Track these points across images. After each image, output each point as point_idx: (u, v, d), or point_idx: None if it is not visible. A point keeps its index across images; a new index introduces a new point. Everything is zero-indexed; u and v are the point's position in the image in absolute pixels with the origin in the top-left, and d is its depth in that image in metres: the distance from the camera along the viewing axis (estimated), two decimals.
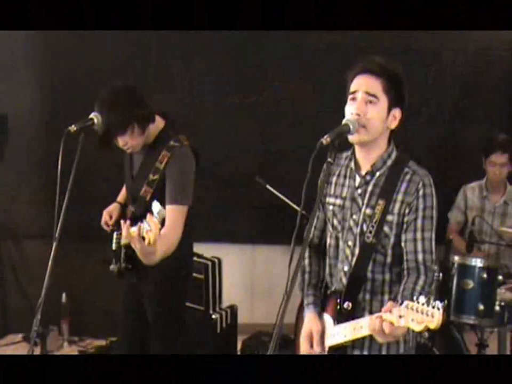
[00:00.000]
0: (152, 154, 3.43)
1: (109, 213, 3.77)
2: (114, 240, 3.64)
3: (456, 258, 4.10)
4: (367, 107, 2.59)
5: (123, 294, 3.74)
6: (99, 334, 5.36)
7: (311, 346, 2.74)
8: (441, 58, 5.55)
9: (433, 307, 2.20)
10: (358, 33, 4.21)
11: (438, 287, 4.07)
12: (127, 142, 3.36)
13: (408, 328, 2.31)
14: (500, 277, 4.11)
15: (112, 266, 3.60)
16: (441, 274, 4.04)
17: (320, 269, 2.94)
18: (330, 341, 2.70)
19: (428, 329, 2.23)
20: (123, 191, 3.83)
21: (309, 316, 2.80)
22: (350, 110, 2.61)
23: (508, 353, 4.66)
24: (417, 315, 2.23)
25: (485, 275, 3.99)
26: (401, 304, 2.33)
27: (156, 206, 2.90)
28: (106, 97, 3.31)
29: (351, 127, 2.53)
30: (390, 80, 2.62)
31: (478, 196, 5.02)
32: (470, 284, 4.02)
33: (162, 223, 2.94)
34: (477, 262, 4.03)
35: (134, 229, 2.89)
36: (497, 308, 4.04)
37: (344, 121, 2.56)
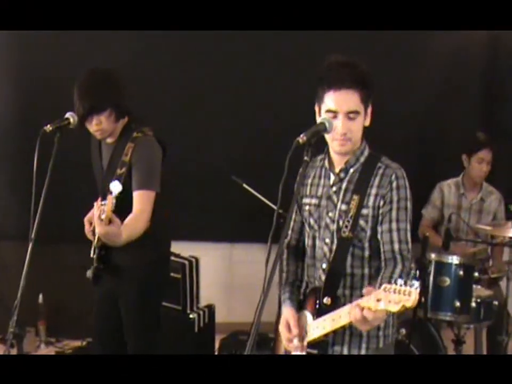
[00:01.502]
0: (119, 149, 3.46)
1: (89, 220, 3.74)
2: (92, 247, 3.63)
3: (433, 255, 4.14)
4: (350, 124, 2.65)
5: (97, 297, 3.71)
6: (76, 335, 5.32)
7: (289, 331, 2.75)
8: (418, 57, 5.58)
9: (410, 286, 2.23)
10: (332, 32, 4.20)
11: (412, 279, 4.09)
12: (101, 122, 3.36)
13: (386, 324, 2.33)
14: (476, 274, 4.14)
15: (88, 273, 3.58)
16: (417, 272, 4.05)
17: (298, 268, 2.97)
18: (310, 335, 2.71)
19: (405, 309, 2.25)
20: None
21: (286, 309, 2.82)
22: (336, 129, 2.62)
23: (484, 348, 4.70)
24: (394, 296, 2.26)
25: (461, 272, 4.03)
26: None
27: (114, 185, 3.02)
28: (91, 76, 3.38)
29: (327, 125, 2.54)
30: (364, 86, 2.66)
31: (454, 193, 5.04)
32: (447, 281, 4.05)
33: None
34: (453, 259, 4.06)
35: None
36: (473, 304, 4.08)
37: (320, 120, 2.58)
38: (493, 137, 5.10)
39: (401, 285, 2.26)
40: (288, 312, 2.80)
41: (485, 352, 4.72)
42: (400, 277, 2.57)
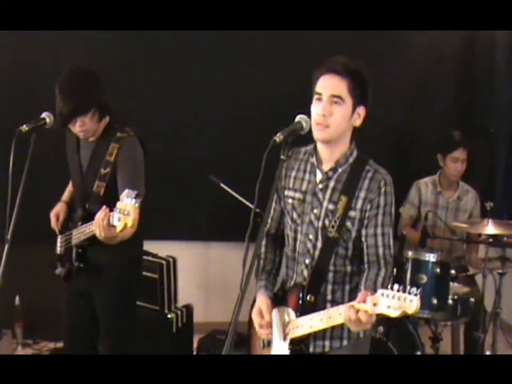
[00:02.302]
0: (101, 148, 3.44)
1: (56, 214, 3.72)
2: (59, 244, 3.61)
3: (410, 253, 4.16)
4: (332, 108, 2.65)
5: (70, 298, 3.70)
6: (53, 336, 5.28)
7: (262, 318, 2.77)
8: (393, 57, 5.61)
9: (410, 293, 2.26)
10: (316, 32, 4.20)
11: (392, 282, 4.11)
12: (85, 123, 3.35)
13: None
14: (453, 271, 4.17)
15: (58, 270, 3.57)
16: (395, 269, 4.07)
17: (276, 257, 3.01)
18: (294, 333, 2.73)
19: (404, 314, 2.29)
20: (68, 190, 3.80)
21: (260, 296, 2.85)
22: (316, 111, 2.67)
23: (462, 345, 4.74)
24: (393, 301, 2.29)
25: (438, 269, 4.05)
26: (372, 293, 2.39)
27: (124, 194, 3.00)
28: (72, 77, 3.35)
29: (304, 124, 2.57)
30: (354, 80, 2.68)
31: (432, 191, 5.07)
32: (424, 278, 4.08)
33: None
34: (430, 257, 4.08)
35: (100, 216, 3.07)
36: (450, 301, 4.11)
37: (297, 119, 2.60)
38: (468, 137, 5.14)
39: (398, 291, 2.29)
40: (261, 299, 2.83)
41: (462, 349, 4.76)
42: (384, 280, 2.68)
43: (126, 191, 3.01)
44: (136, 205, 2.92)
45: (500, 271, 4.31)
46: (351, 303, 2.45)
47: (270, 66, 5.34)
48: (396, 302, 2.28)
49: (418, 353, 4.21)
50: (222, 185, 5.06)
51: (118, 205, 2.95)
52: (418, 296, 2.26)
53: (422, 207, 5.07)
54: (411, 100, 5.77)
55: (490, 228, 4.21)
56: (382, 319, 2.40)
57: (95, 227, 3.13)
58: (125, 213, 2.92)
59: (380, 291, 2.35)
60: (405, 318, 4.19)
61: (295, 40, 5.16)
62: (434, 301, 4.01)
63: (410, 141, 5.85)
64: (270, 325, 2.78)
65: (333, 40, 4.87)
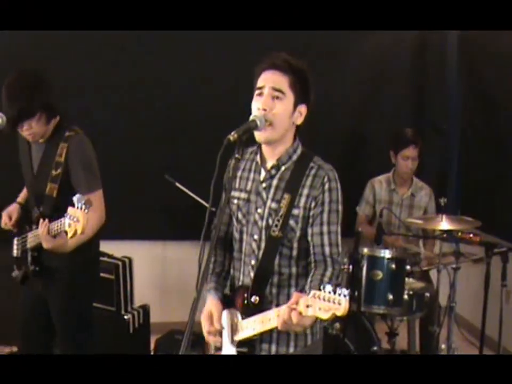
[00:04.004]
0: (51, 149, 3.41)
1: (8, 214, 3.67)
2: (15, 247, 3.57)
3: (365, 250, 4.19)
4: (273, 102, 2.60)
5: (25, 302, 3.65)
6: (9, 340, 5.20)
7: (211, 324, 2.72)
8: (345, 56, 5.65)
9: (339, 294, 2.19)
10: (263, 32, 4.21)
11: (348, 279, 4.14)
12: (32, 126, 3.31)
13: (316, 319, 2.32)
14: (408, 267, 4.21)
15: (15, 273, 3.53)
16: (351, 266, 4.10)
17: (225, 260, 2.94)
18: (239, 335, 2.70)
19: (336, 317, 2.22)
20: (24, 191, 3.75)
21: (210, 299, 2.79)
22: (257, 105, 2.62)
23: (417, 340, 4.79)
24: (324, 303, 2.22)
25: (393, 266, 4.09)
26: (308, 294, 2.33)
27: (75, 199, 2.93)
28: (17, 79, 3.31)
29: (258, 123, 2.53)
30: (296, 77, 2.64)
31: (385, 188, 5.11)
32: (379, 274, 4.11)
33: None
34: (386, 253, 4.12)
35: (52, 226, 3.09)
36: (405, 297, 4.15)
37: (251, 117, 2.57)
38: (421, 133, 5.20)
39: (330, 292, 2.21)
40: (212, 303, 2.77)
41: (417, 343, 4.81)
42: (330, 279, 2.60)
43: (76, 196, 2.95)
44: (86, 211, 2.88)
45: (454, 266, 4.37)
46: (285, 305, 2.39)
47: (227, 65, 5.34)
48: (326, 304, 2.21)
49: (375, 348, 4.24)
50: (177, 184, 5.05)
51: (69, 210, 2.93)
52: (347, 298, 2.18)
53: (377, 205, 5.12)
54: (365, 98, 5.82)
55: (444, 224, 4.26)
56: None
57: (41, 237, 3.16)
58: (74, 220, 2.90)
59: (312, 292, 2.27)
60: (361, 314, 4.22)
61: (241, 41, 5.18)
62: (390, 297, 4.05)
63: (367, 139, 5.90)
64: (219, 332, 2.72)
65: (287, 38, 4.88)
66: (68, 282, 3.48)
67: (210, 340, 2.75)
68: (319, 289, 2.26)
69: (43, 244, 3.17)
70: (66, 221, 2.94)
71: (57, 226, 3.09)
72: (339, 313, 2.19)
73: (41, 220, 3.14)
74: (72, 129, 3.43)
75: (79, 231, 2.89)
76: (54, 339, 3.62)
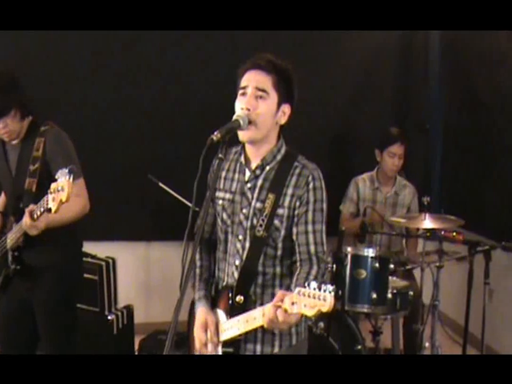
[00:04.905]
0: (27, 147, 3.41)
1: None
2: None
3: (349, 249, 4.18)
4: (257, 102, 2.60)
5: (7, 305, 3.60)
6: None
7: (206, 334, 2.72)
8: (331, 55, 5.67)
9: (325, 291, 2.20)
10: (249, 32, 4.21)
11: (331, 278, 4.14)
12: (7, 124, 3.32)
13: (302, 316, 2.32)
14: (391, 266, 4.22)
15: None
16: (334, 265, 4.10)
17: (211, 264, 2.93)
18: (224, 335, 2.69)
19: (321, 313, 2.23)
20: (2, 197, 3.73)
21: (201, 309, 2.77)
22: (240, 105, 2.62)
23: (401, 338, 4.80)
24: (309, 300, 2.23)
25: (377, 264, 4.09)
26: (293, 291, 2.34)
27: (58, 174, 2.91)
28: None
29: (241, 122, 2.53)
30: (280, 76, 2.64)
31: (369, 187, 5.12)
32: (363, 273, 4.11)
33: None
34: (369, 252, 4.12)
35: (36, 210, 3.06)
36: (389, 295, 4.15)
37: (234, 117, 2.57)
38: (406, 132, 5.21)
39: (314, 289, 2.22)
40: (205, 313, 2.75)
41: (401, 341, 4.82)
42: (316, 278, 2.60)
43: (59, 171, 2.91)
44: (71, 179, 2.84)
45: (437, 264, 4.39)
46: (271, 303, 2.40)
47: (211, 65, 5.35)
48: (311, 300, 2.22)
49: (359, 347, 4.25)
50: (160, 184, 5.05)
51: (51, 185, 2.89)
52: (332, 294, 2.20)
53: (360, 204, 5.12)
54: (349, 98, 5.83)
55: (427, 222, 4.28)
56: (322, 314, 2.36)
57: (25, 226, 3.13)
58: (58, 189, 2.85)
59: (297, 289, 2.28)
60: (345, 313, 4.23)
61: (231, 40, 5.18)
62: (374, 295, 4.05)
63: (351, 138, 5.91)
64: (215, 344, 2.71)
65: (270, 39, 4.88)
66: (52, 281, 3.45)
67: (205, 352, 2.73)
68: (304, 287, 2.27)
69: (29, 232, 3.14)
70: (49, 197, 2.90)
71: (40, 206, 3.03)
72: (324, 310, 2.21)
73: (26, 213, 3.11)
74: (47, 123, 3.45)
75: (63, 199, 2.83)
76: (37, 342, 3.60)
